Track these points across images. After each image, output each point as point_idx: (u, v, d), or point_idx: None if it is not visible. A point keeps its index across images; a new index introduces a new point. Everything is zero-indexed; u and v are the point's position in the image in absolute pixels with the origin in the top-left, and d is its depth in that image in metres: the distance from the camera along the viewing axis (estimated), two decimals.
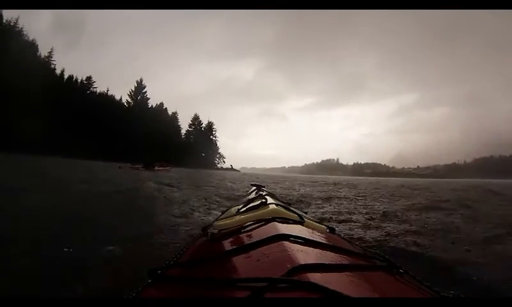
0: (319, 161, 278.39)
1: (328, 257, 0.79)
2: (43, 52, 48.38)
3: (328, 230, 1.37)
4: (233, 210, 1.91)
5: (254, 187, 3.14)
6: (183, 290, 0.71)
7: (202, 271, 0.81)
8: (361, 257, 0.91)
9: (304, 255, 0.75)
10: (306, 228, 1.16)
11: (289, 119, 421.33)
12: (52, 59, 49.99)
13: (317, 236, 1.01)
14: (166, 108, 66.83)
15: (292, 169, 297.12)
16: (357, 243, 1.29)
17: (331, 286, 0.53)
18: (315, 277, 0.59)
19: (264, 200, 1.68)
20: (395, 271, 0.82)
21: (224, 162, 74.93)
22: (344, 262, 0.77)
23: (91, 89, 53.90)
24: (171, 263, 0.96)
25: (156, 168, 21.05)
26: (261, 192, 2.55)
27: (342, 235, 1.44)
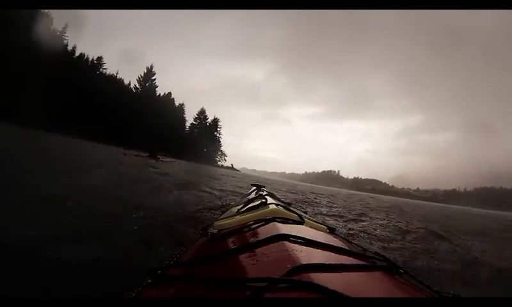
0: (319, 171, 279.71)
1: (328, 257, 0.80)
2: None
3: (328, 230, 1.37)
4: (234, 210, 1.91)
5: (254, 187, 3.14)
6: (183, 290, 0.71)
7: (202, 271, 0.81)
8: (361, 257, 0.91)
9: (305, 255, 0.75)
10: (306, 228, 1.17)
11: (293, 125, 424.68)
12: (65, 35, 48.61)
13: (317, 236, 1.01)
14: (173, 98, 65.65)
15: (293, 175, 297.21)
16: (357, 243, 1.28)
17: (331, 286, 0.53)
18: (315, 277, 0.59)
19: (264, 200, 1.68)
20: (395, 271, 0.83)
21: (225, 160, 73.76)
22: (344, 262, 0.77)
23: (101, 69, 52.85)
24: (171, 263, 0.96)
25: (161, 159, 21.11)
26: (261, 192, 2.55)
27: (342, 235, 1.43)
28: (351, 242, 1.28)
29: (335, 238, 1.21)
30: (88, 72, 47.44)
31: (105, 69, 53.60)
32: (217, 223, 1.42)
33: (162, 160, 20.38)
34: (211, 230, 1.33)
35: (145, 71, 61.89)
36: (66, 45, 48.50)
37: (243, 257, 0.81)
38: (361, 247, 1.18)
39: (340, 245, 0.96)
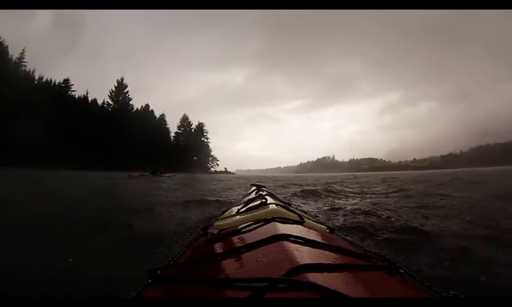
0: (314, 159, 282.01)
1: (328, 257, 0.79)
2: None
3: (327, 230, 1.37)
4: (233, 210, 1.91)
5: (254, 187, 3.13)
6: (183, 290, 0.71)
7: (202, 271, 0.81)
8: (361, 257, 0.90)
9: (304, 255, 0.75)
10: (306, 228, 1.16)
11: (282, 121, 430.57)
12: (24, 61, 45.91)
13: (317, 237, 1.01)
14: (152, 110, 63.00)
15: (287, 168, 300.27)
16: (357, 243, 1.29)
17: (331, 286, 0.53)
18: (315, 277, 0.59)
19: (263, 200, 1.67)
20: (395, 271, 0.82)
21: (217, 165, 71.99)
22: (343, 262, 0.77)
23: (70, 92, 50.44)
24: (171, 263, 0.97)
25: (163, 175, 22.28)
26: (261, 192, 2.55)
27: (342, 235, 1.44)
28: (351, 242, 1.29)
29: (335, 238, 1.21)
30: (56, 98, 44.66)
31: (73, 91, 51.53)
32: (217, 223, 1.42)
33: (164, 176, 21.55)
34: (211, 230, 1.33)
35: (116, 85, 59.00)
36: (29, 72, 45.91)
37: (243, 257, 0.81)
38: (361, 247, 1.18)
39: (340, 245, 0.95)
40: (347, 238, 1.40)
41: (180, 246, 1.22)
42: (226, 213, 1.94)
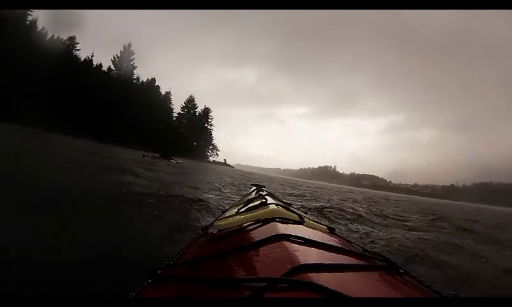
0: (315, 166, 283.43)
1: (328, 257, 0.80)
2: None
3: (328, 230, 1.37)
4: (233, 210, 1.91)
5: (254, 187, 3.14)
6: (183, 290, 0.71)
7: (202, 271, 0.81)
8: (361, 257, 0.91)
9: (304, 255, 0.75)
10: (306, 228, 1.17)
11: (287, 124, 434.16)
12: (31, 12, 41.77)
13: (317, 236, 1.01)
14: (158, 85, 58.56)
15: (287, 171, 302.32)
16: (357, 243, 1.29)
17: (331, 286, 0.53)
18: (315, 277, 0.59)
19: (264, 200, 1.68)
20: (395, 271, 0.83)
21: (217, 155, 69.02)
22: (343, 262, 0.77)
23: (74, 51, 47.08)
24: (171, 263, 0.96)
25: (171, 159, 23.14)
26: (261, 192, 2.55)
27: (342, 235, 1.44)
28: (351, 242, 1.29)
29: (335, 238, 1.21)
30: (58, 56, 40.89)
31: (78, 50, 48.34)
32: (217, 223, 1.42)
33: (172, 160, 22.36)
34: (211, 230, 1.33)
35: (121, 50, 54.18)
36: (35, 22, 42.64)
37: (243, 257, 0.81)
38: (361, 247, 1.18)
39: (340, 245, 0.96)
40: (347, 238, 1.41)
41: (180, 246, 1.21)
42: (227, 213, 1.94)
